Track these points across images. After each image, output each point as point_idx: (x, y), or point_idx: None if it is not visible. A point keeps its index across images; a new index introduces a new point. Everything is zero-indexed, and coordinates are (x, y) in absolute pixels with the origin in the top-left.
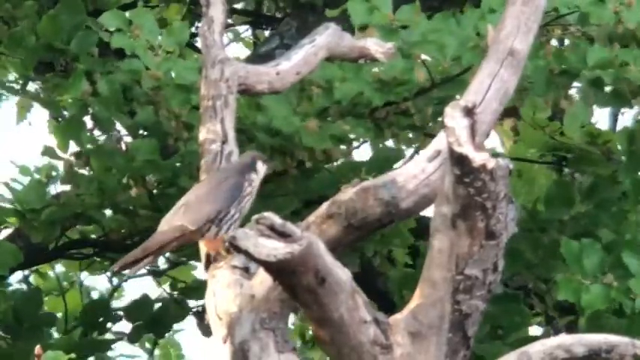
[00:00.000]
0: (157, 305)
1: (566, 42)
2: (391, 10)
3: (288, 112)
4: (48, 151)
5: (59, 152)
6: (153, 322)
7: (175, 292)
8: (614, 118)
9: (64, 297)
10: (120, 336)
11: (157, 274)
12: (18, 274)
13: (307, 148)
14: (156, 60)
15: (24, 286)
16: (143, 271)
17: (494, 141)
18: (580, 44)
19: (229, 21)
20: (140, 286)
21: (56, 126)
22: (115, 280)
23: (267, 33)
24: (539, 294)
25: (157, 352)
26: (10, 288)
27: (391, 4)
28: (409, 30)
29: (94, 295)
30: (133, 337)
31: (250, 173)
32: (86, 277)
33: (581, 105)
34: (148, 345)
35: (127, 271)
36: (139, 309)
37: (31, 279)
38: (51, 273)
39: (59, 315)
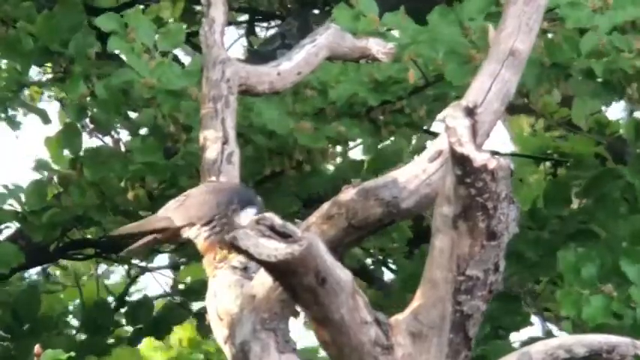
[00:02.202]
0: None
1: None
2: (377, 14)
3: (281, 115)
4: (41, 164)
5: (53, 165)
6: (154, 324)
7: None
8: (630, 114)
9: (81, 290)
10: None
11: (175, 267)
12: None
13: (304, 149)
14: (150, 65)
15: (40, 279)
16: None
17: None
18: (572, 35)
19: (243, 18)
20: (156, 281)
21: (48, 138)
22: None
23: (269, 33)
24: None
25: None
26: (25, 282)
27: (377, 9)
28: (399, 33)
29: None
30: (133, 340)
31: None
32: (103, 271)
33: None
34: None
35: (122, 253)
36: (140, 311)
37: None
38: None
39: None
